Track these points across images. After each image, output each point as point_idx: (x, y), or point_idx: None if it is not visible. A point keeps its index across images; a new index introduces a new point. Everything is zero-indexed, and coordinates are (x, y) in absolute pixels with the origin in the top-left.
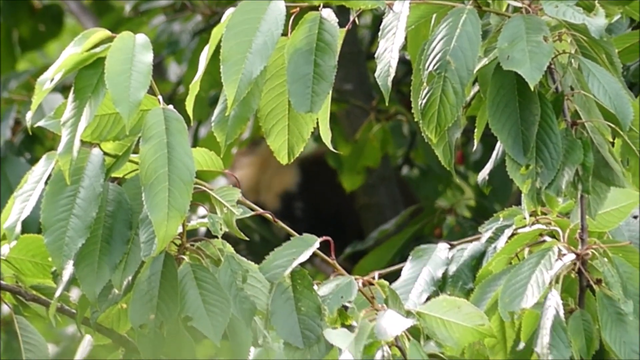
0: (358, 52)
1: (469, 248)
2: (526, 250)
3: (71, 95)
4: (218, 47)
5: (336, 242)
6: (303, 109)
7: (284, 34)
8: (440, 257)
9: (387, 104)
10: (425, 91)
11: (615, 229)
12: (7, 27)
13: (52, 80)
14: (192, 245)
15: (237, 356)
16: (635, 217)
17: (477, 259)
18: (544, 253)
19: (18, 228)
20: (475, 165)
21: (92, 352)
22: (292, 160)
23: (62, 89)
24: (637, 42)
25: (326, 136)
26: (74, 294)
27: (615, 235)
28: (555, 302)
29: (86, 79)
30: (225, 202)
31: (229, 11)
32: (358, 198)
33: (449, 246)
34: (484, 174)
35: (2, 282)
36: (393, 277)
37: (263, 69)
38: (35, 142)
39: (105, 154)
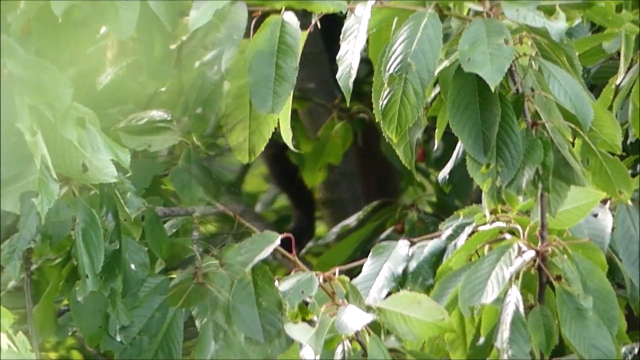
0: (320, 52)
1: (430, 245)
2: (486, 247)
3: None
4: None
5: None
6: (264, 110)
7: (247, 35)
8: (400, 253)
9: (347, 104)
10: (386, 92)
11: (576, 227)
12: None
13: None
14: None
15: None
16: (595, 215)
17: (438, 256)
18: (504, 250)
19: None
20: (437, 163)
21: None
22: (252, 159)
23: None
24: (597, 45)
25: (287, 135)
26: None
27: (575, 232)
28: (515, 298)
29: None
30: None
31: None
32: (320, 194)
33: (409, 243)
34: (444, 172)
35: None
36: (354, 272)
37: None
38: None
39: None
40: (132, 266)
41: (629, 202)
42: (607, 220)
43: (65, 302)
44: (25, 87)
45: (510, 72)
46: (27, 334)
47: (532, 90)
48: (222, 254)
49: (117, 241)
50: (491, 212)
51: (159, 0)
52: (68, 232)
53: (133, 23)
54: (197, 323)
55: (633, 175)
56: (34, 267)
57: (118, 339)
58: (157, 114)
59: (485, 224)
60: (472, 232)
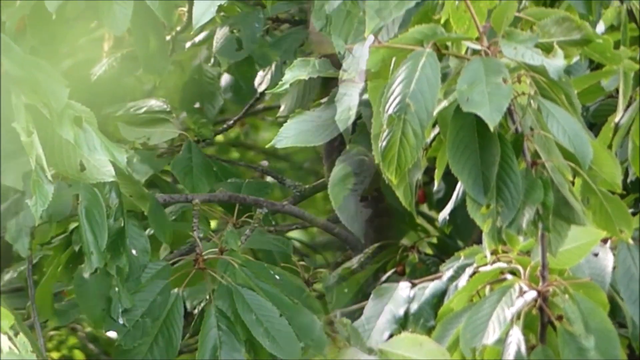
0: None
1: (431, 286)
2: (487, 288)
3: None
4: None
5: None
6: None
7: None
8: (402, 295)
9: (347, 146)
10: (385, 133)
11: (576, 266)
12: None
13: None
14: None
15: None
16: (595, 254)
17: (439, 297)
18: (505, 290)
19: None
20: (438, 204)
21: None
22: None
23: None
24: (596, 82)
25: None
26: None
27: (576, 272)
28: (516, 338)
29: None
30: None
31: None
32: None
33: (410, 284)
34: (444, 213)
35: None
36: (356, 315)
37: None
38: None
39: None
40: (134, 252)
41: (630, 241)
42: (607, 259)
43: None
44: (21, 85)
45: (509, 111)
46: (32, 328)
47: (532, 129)
48: (222, 240)
49: (122, 219)
50: (492, 253)
51: None
52: (69, 211)
53: (128, 18)
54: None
55: (633, 214)
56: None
57: (120, 321)
58: (156, 103)
59: (486, 264)
60: (473, 273)
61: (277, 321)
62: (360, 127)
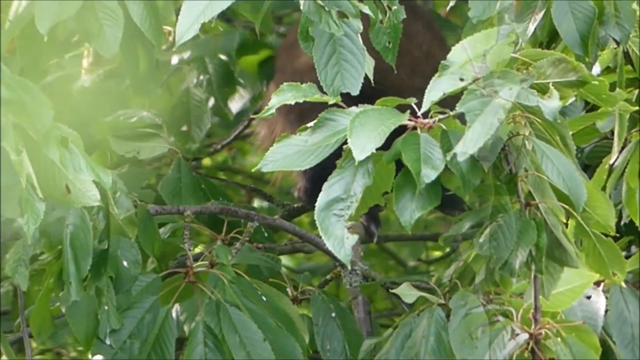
0: None
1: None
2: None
3: None
4: None
5: None
6: None
7: None
8: None
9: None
10: None
11: (569, 309)
12: None
13: None
14: None
15: None
16: (588, 297)
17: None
18: (498, 332)
19: None
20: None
21: None
22: None
23: None
24: (591, 124)
25: None
26: None
27: (568, 315)
28: None
29: None
30: None
31: None
32: None
33: None
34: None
35: None
36: None
37: None
38: None
39: None
40: (125, 263)
41: (623, 284)
42: (600, 302)
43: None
44: (10, 106)
45: (503, 152)
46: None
47: (526, 170)
48: (213, 254)
49: (106, 241)
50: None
51: (144, 15)
52: (61, 233)
53: (118, 39)
54: (186, 327)
55: (627, 257)
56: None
57: (108, 342)
58: (147, 115)
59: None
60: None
61: (260, 346)
62: (347, 152)
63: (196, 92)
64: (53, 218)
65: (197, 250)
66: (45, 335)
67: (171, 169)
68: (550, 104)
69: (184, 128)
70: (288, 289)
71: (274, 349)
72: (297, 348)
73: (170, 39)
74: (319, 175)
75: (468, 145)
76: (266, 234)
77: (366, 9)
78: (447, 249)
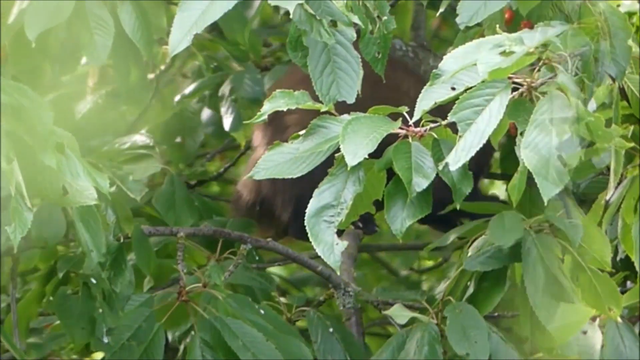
0: None
1: None
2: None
3: None
4: None
5: None
6: None
7: None
8: None
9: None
10: None
11: (565, 344)
12: None
13: None
14: None
15: None
16: (584, 332)
17: None
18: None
19: None
20: None
21: None
22: None
23: None
24: (587, 160)
25: None
26: None
27: (565, 350)
28: None
29: None
30: None
31: None
32: None
33: None
34: None
35: None
36: None
37: None
38: None
39: None
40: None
41: (619, 319)
42: (596, 337)
43: None
44: (4, 112)
45: None
46: None
47: None
48: (206, 275)
49: (120, 234)
50: None
51: (135, 26)
52: (64, 232)
53: (108, 48)
54: (182, 345)
55: (622, 292)
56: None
57: (105, 340)
58: (140, 138)
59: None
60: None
61: (264, 346)
62: (339, 160)
63: (190, 103)
64: (57, 220)
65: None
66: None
67: (165, 184)
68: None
69: (178, 139)
70: (282, 309)
71: (279, 351)
72: (303, 348)
73: (168, 60)
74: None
75: (460, 154)
76: (257, 257)
77: (356, 19)
78: (439, 259)
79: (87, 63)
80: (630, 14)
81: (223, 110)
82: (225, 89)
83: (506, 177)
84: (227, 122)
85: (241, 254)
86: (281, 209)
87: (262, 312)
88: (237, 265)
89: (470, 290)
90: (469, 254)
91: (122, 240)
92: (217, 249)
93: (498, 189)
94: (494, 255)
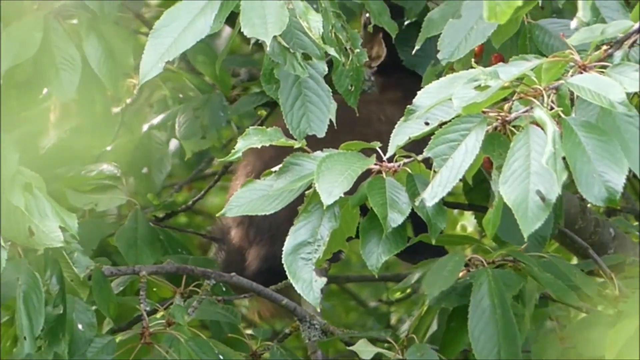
0: None
1: None
2: None
3: None
4: None
5: None
6: None
7: None
8: None
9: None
10: None
11: None
12: None
13: None
14: None
15: None
16: None
17: None
18: None
19: None
20: None
21: None
22: None
23: None
24: None
25: None
26: None
27: None
28: None
29: None
30: None
31: None
32: None
33: None
34: None
35: None
36: None
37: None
38: None
39: None
40: (80, 326)
41: None
42: None
43: None
44: None
45: None
46: None
47: None
48: (169, 313)
49: (61, 305)
50: None
51: (101, 60)
52: (14, 293)
53: (75, 84)
54: None
55: None
56: None
57: None
58: (107, 167)
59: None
60: None
61: None
62: (313, 196)
63: (157, 134)
64: (6, 278)
65: (159, 295)
66: None
67: (128, 219)
68: None
69: (145, 170)
70: (247, 343)
71: None
72: None
73: (135, 92)
74: (273, 255)
75: (437, 190)
76: (224, 289)
77: (332, 51)
78: (408, 290)
79: (46, 96)
80: None
81: (179, 121)
82: (188, 112)
83: (473, 207)
84: (179, 130)
85: (205, 290)
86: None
87: (221, 357)
88: (200, 300)
89: (434, 327)
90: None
91: (63, 311)
92: (182, 282)
93: (467, 219)
94: (460, 292)
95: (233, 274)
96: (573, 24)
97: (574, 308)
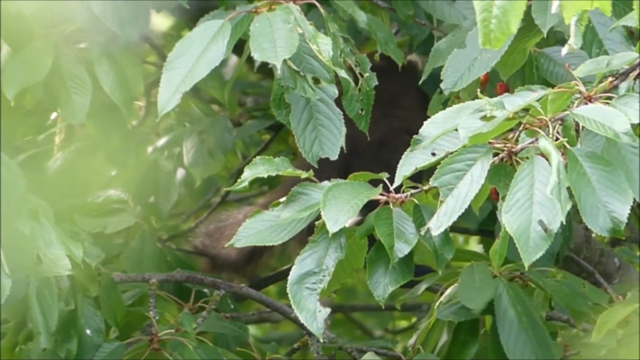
0: None
1: None
2: None
3: None
4: None
5: None
6: None
7: None
8: None
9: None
10: None
11: None
12: None
13: None
14: None
15: None
16: None
17: None
18: None
19: None
20: None
21: None
22: None
23: None
24: None
25: None
26: None
27: None
28: None
29: None
30: None
31: None
32: None
33: None
34: None
35: None
36: None
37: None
38: None
39: None
40: (88, 331)
41: None
42: None
43: None
44: None
45: None
46: None
47: None
48: (178, 321)
49: (73, 301)
50: None
51: (113, 84)
52: (22, 293)
53: (86, 108)
54: None
55: None
56: None
57: None
58: (114, 193)
59: None
60: None
61: None
62: (319, 228)
63: (164, 163)
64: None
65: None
66: None
67: (135, 241)
68: None
69: (151, 199)
70: (255, 356)
71: None
72: None
73: (141, 113)
74: None
75: (442, 220)
76: (232, 306)
77: (343, 73)
78: (414, 319)
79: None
80: None
81: (187, 147)
82: (194, 137)
83: (479, 233)
84: (187, 156)
85: (214, 300)
86: None
87: None
88: (209, 311)
89: (444, 339)
90: (441, 301)
91: (74, 307)
92: (191, 298)
93: (474, 245)
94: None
95: (242, 285)
96: (564, 50)
97: (582, 315)
